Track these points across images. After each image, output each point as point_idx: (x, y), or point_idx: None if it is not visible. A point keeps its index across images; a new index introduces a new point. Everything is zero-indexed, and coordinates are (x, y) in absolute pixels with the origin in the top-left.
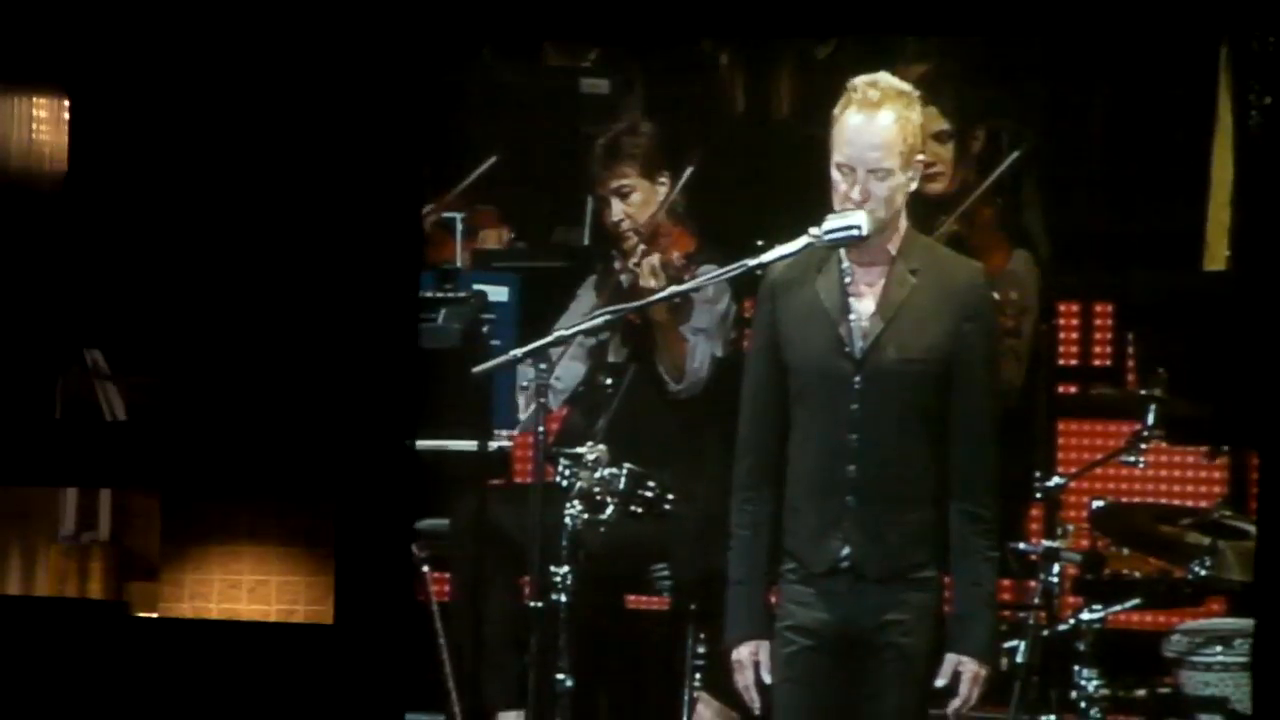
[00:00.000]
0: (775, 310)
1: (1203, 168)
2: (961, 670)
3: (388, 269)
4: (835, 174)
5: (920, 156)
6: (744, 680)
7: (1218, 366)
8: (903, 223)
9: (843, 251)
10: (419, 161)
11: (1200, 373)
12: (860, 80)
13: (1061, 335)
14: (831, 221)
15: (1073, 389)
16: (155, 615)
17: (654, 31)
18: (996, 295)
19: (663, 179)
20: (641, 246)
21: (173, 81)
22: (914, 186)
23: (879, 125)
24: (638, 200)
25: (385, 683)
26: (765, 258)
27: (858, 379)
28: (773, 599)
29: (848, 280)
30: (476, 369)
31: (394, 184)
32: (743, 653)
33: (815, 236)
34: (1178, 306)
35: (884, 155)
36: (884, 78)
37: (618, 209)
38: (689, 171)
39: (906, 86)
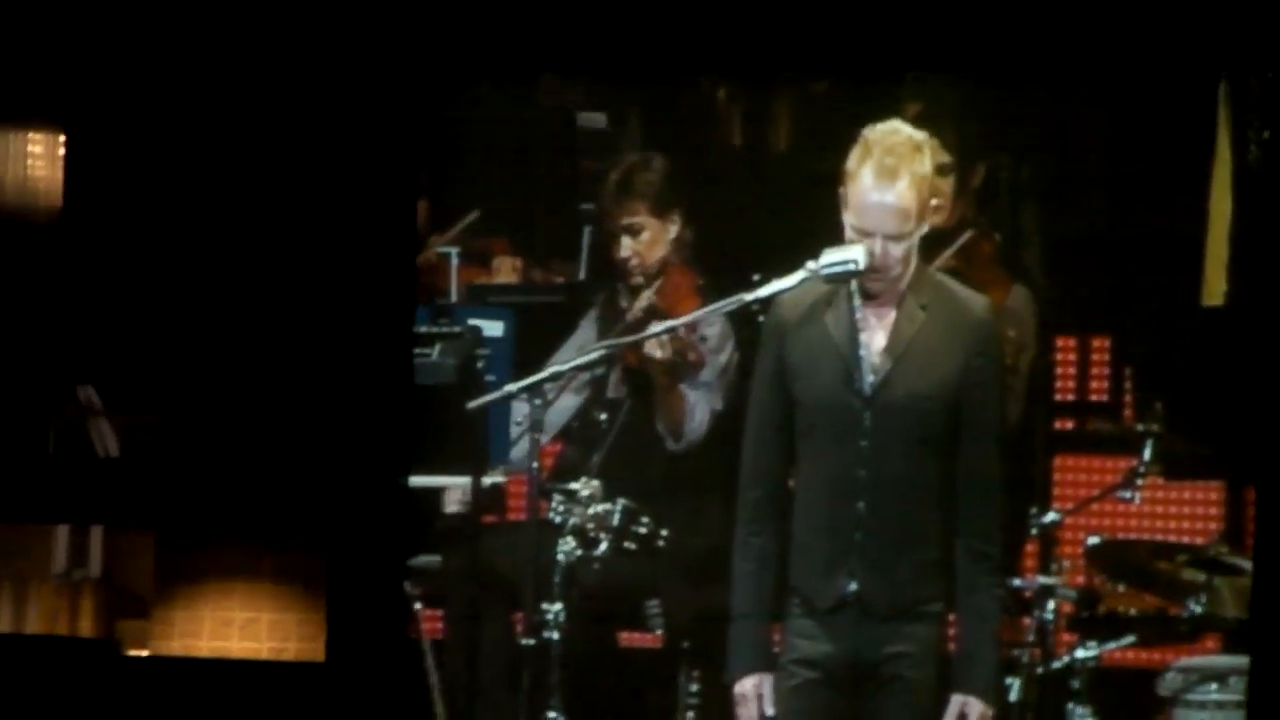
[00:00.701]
0: (783, 345)
1: (1201, 203)
2: (967, 711)
3: (382, 305)
4: (851, 233)
5: (934, 202)
6: (747, 714)
7: (1215, 402)
8: (913, 259)
9: (853, 286)
10: (414, 198)
11: (1198, 408)
12: (876, 134)
13: (1059, 370)
14: (829, 256)
15: (1069, 424)
16: (146, 654)
17: (651, 67)
18: None
19: (674, 218)
20: (646, 289)
21: (168, 117)
22: (926, 229)
23: (897, 193)
24: (647, 239)
25: None
26: (761, 292)
27: (867, 415)
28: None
29: (858, 316)
30: (471, 404)
31: (389, 221)
32: (746, 686)
33: (812, 271)
34: (1175, 341)
35: (902, 223)
36: (898, 130)
37: (627, 245)
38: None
39: (921, 136)
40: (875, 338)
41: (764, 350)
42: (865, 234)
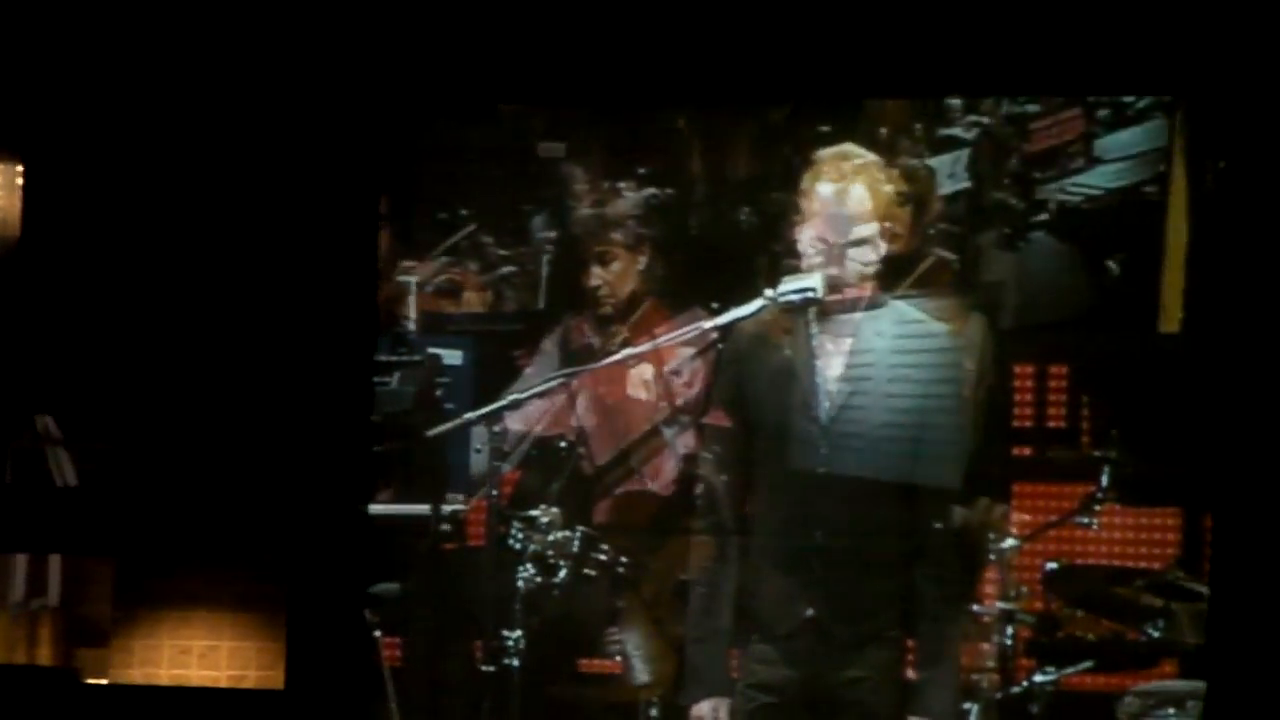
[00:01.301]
0: (741, 372)
1: (1158, 230)
2: None
3: (343, 335)
4: (807, 247)
5: (888, 225)
6: None
7: (1172, 428)
8: (871, 286)
9: (811, 314)
10: (375, 228)
11: (1154, 435)
12: (827, 153)
13: (1016, 398)
14: (787, 284)
15: (1027, 451)
16: (105, 682)
17: (610, 97)
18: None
19: (644, 249)
20: (618, 322)
21: (127, 148)
22: (884, 252)
23: (853, 197)
24: (617, 269)
25: None
26: (720, 320)
27: (824, 443)
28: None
29: (814, 343)
30: (430, 432)
31: (350, 251)
32: (704, 709)
33: (770, 298)
34: (1132, 369)
35: (859, 226)
36: (850, 149)
37: (597, 274)
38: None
39: (873, 156)
40: (832, 364)
41: (723, 377)
42: (822, 243)
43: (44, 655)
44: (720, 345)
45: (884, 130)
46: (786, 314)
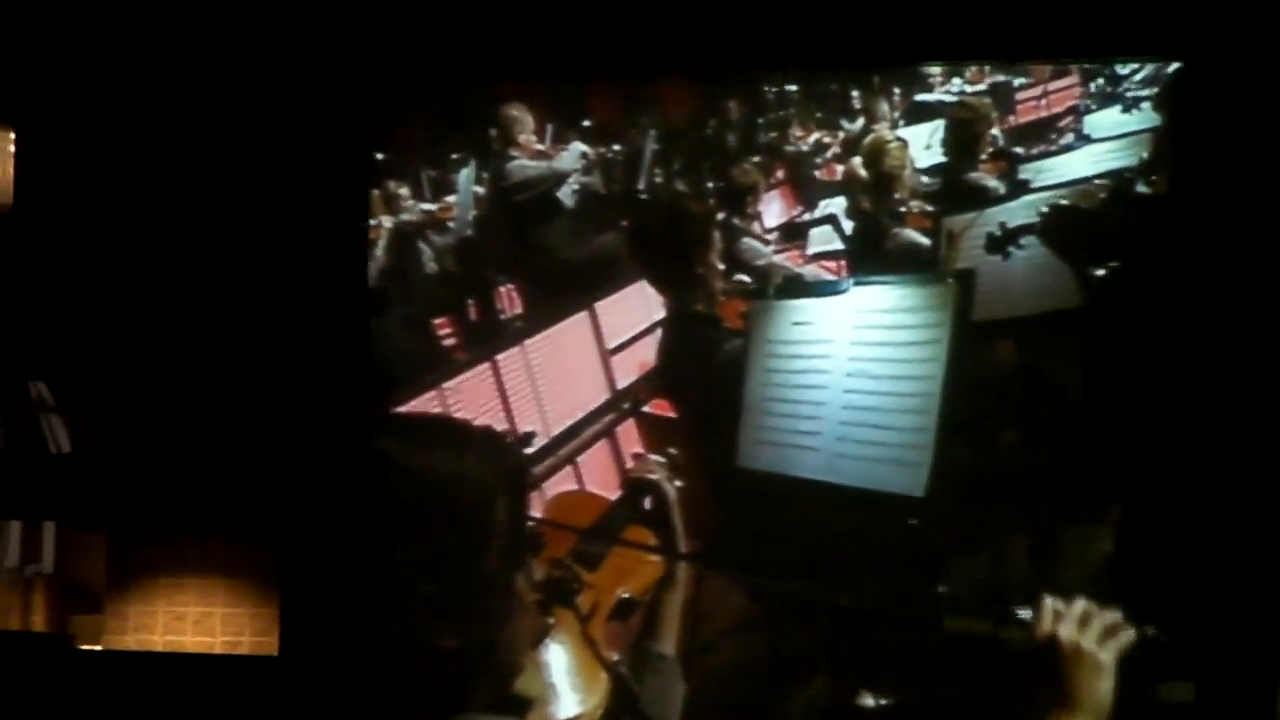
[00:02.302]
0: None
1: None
2: None
3: (335, 297)
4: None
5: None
6: None
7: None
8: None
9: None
10: (367, 186)
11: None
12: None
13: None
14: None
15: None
16: (100, 648)
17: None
18: None
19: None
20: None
21: (119, 114)
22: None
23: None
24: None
25: (332, 715)
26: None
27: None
28: None
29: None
30: None
31: (342, 211)
32: None
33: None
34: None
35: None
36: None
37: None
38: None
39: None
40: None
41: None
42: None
43: (38, 621)
44: (668, 323)
45: (854, 95)
46: (739, 293)
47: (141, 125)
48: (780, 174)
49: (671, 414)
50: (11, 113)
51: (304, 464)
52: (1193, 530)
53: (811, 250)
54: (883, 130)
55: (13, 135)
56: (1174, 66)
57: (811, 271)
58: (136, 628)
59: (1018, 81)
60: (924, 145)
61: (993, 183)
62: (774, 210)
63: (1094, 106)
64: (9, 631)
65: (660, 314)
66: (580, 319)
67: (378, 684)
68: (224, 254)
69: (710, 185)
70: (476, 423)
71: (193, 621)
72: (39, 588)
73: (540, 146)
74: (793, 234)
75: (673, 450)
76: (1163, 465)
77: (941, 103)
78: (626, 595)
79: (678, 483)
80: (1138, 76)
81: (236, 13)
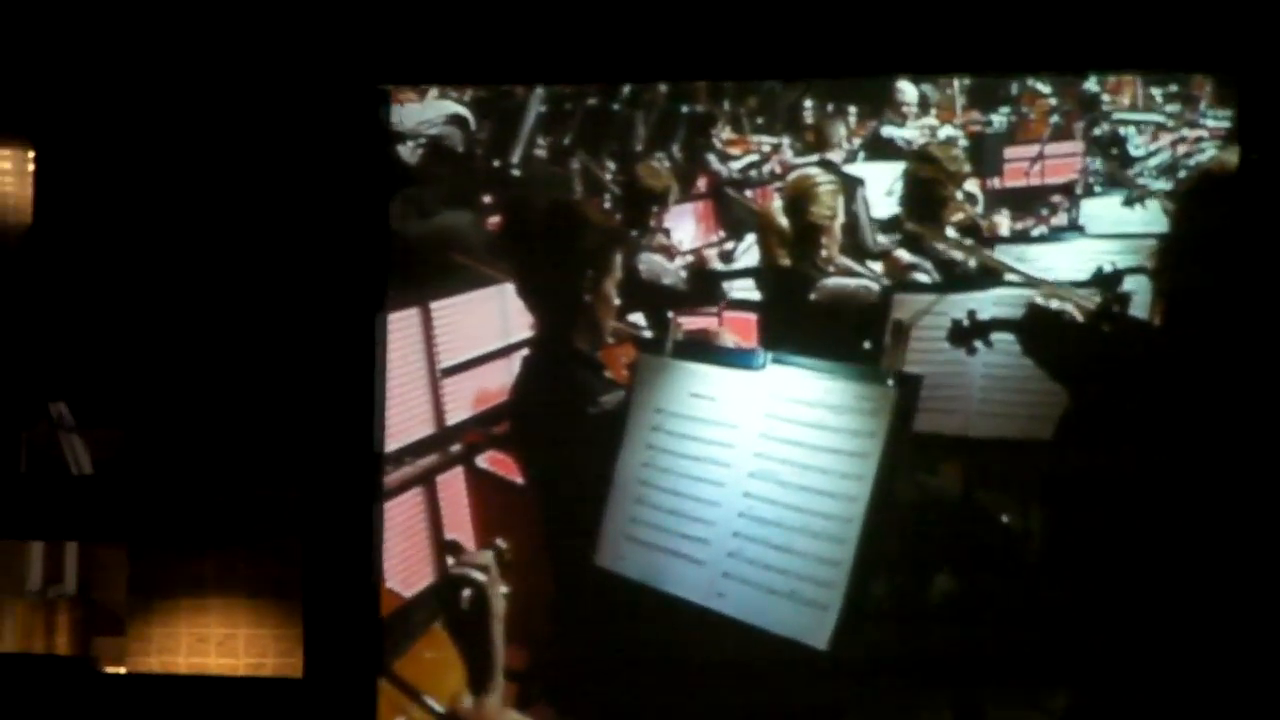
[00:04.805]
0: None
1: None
2: None
3: (351, 314)
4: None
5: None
6: None
7: None
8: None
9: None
10: (385, 204)
11: None
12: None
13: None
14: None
15: None
16: (123, 670)
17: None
18: None
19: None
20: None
21: (138, 133)
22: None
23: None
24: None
25: None
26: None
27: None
28: None
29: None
30: None
31: (356, 228)
32: None
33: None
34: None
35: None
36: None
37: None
38: None
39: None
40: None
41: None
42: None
43: (61, 644)
44: (531, 354)
45: (806, 106)
46: (630, 337)
47: (160, 143)
48: (701, 184)
49: (515, 477)
50: (30, 131)
51: (327, 482)
52: None
53: (730, 291)
54: (810, 169)
55: (31, 154)
56: (1198, 157)
57: (728, 336)
58: (160, 649)
59: (1010, 130)
60: (885, 190)
61: (960, 256)
62: (686, 228)
63: (1096, 187)
64: (32, 654)
65: (521, 336)
66: (406, 318)
67: None
68: (243, 271)
69: (609, 178)
70: None
71: (216, 643)
72: (61, 609)
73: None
74: (707, 278)
75: (502, 544)
76: (1127, 651)
77: (910, 143)
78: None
79: (504, 589)
80: (1153, 161)
81: (251, 29)
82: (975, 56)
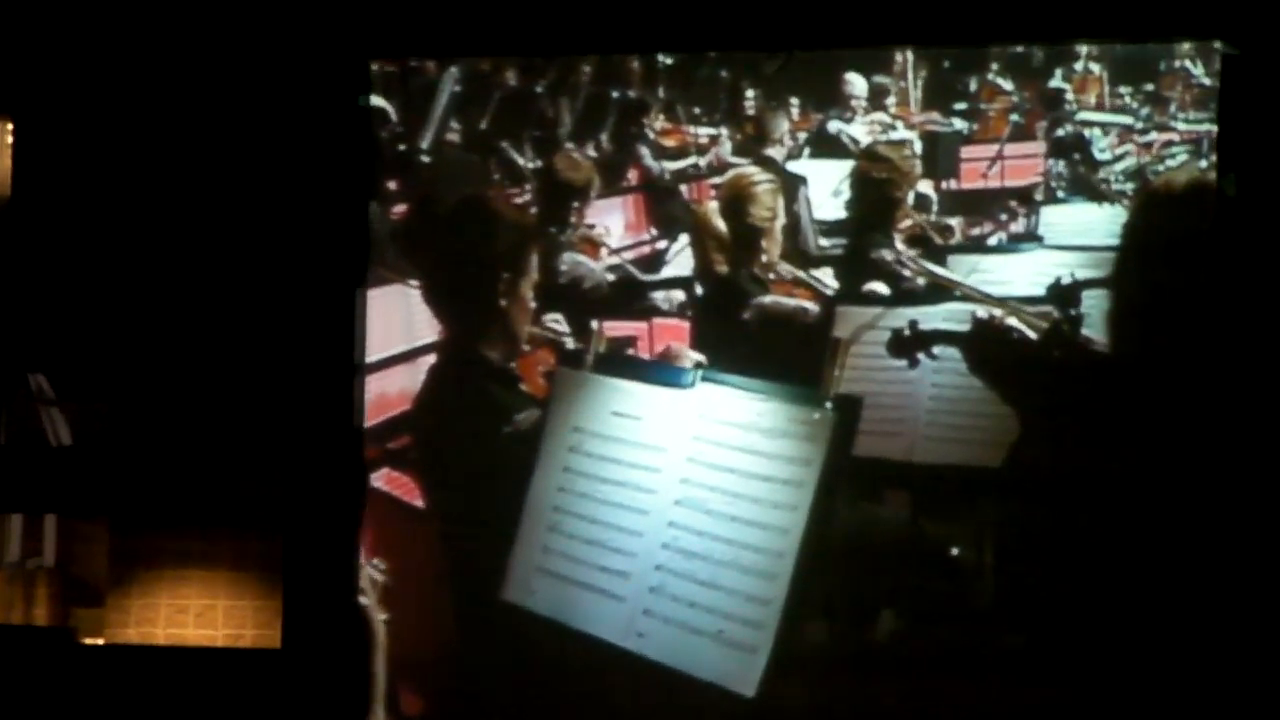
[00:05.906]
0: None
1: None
2: None
3: (331, 288)
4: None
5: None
6: None
7: None
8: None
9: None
10: (368, 181)
11: None
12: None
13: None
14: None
15: None
16: (102, 641)
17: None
18: None
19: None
20: None
21: (117, 105)
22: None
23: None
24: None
25: (333, 708)
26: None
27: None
28: None
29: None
30: None
31: (337, 205)
32: None
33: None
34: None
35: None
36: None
37: None
38: None
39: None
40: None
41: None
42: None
43: (40, 615)
44: (438, 360)
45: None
46: (549, 344)
47: (139, 116)
48: (632, 177)
49: (415, 500)
50: (9, 104)
51: (308, 456)
52: None
53: (656, 299)
54: (748, 168)
55: (10, 126)
56: (1169, 162)
57: (688, 353)
58: (139, 621)
59: (967, 129)
60: (831, 191)
61: (908, 274)
62: (614, 224)
63: (1059, 192)
64: (11, 625)
65: (427, 339)
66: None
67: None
68: (225, 245)
69: (527, 165)
70: None
71: (195, 614)
72: (40, 581)
73: None
74: (635, 283)
75: (379, 563)
76: (1088, 703)
77: (856, 142)
78: None
79: (384, 616)
80: (1119, 166)
81: (230, 5)
82: (948, 27)
